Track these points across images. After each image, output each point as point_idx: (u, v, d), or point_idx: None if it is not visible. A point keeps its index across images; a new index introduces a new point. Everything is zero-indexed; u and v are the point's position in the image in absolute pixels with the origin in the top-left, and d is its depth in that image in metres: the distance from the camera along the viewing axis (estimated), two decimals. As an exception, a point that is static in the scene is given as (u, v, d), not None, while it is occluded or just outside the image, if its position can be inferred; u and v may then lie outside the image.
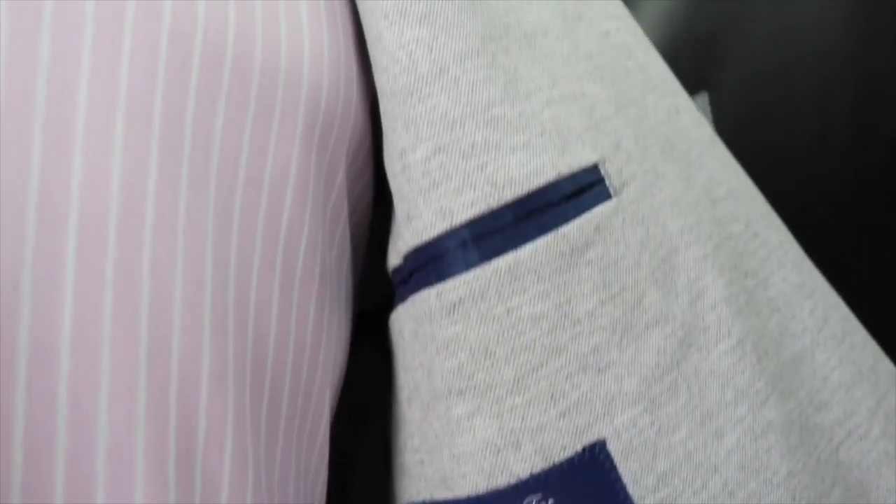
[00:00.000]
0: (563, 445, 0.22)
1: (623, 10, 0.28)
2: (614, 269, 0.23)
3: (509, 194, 0.22)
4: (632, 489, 0.22)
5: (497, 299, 0.22)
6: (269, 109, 0.21)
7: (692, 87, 0.57)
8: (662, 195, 0.24)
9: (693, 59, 0.55)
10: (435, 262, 0.22)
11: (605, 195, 0.23)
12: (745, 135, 0.56)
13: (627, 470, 0.22)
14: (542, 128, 0.23)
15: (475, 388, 0.22)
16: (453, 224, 0.22)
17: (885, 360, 0.29)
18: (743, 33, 0.54)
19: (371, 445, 0.29)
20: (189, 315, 0.18)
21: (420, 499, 0.24)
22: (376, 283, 0.28)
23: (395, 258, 0.24)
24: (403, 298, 0.23)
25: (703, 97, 0.56)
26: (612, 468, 0.22)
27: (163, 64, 0.18)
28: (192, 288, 0.18)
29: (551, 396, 0.22)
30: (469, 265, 0.22)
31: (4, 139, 0.16)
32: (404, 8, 0.22)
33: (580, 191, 0.23)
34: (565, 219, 0.22)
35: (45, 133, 0.17)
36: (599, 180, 0.23)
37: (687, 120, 0.27)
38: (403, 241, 0.23)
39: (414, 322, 0.23)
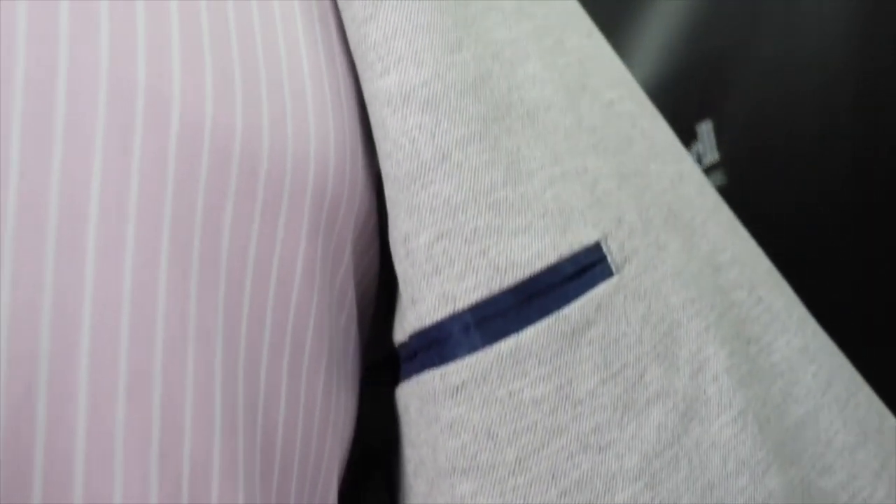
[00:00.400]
0: None
1: (627, 76, 0.29)
2: (615, 348, 0.23)
3: (511, 278, 0.22)
4: None
5: (499, 382, 0.22)
6: (277, 200, 0.21)
7: (697, 112, 0.57)
8: (665, 268, 0.25)
9: (697, 84, 0.55)
10: (438, 344, 0.22)
11: (607, 272, 0.23)
12: (749, 156, 0.56)
13: None
14: (543, 209, 0.23)
15: (478, 468, 0.22)
16: (456, 309, 0.22)
17: (890, 419, 0.29)
18: (746, 58, 0.54)
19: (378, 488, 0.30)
20: (199, 416, 0.19)
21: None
22: (383, 340, 0.28)
23: (400, 335, 0.24)
24: (409, 376, 0.24)
25: (708, 124, 0.56)
26: None
27: (172, 167, 0.19)
28: (202, 388, 0.19)
29: (552, 476, 0.22)
30: (472, 349, 0.22)
31: (18, 250, 0.17)
32: (407, 94, 0.22)
33: (582, 270, 0.23)
34: (567, 300, 0.23)
35: (57, 243, 0.18)
36: (601, 258, 0.24)
37: (691, 186, 0.27)
38: (408, 322, 0.23)
39: (419, 400, 0.23)
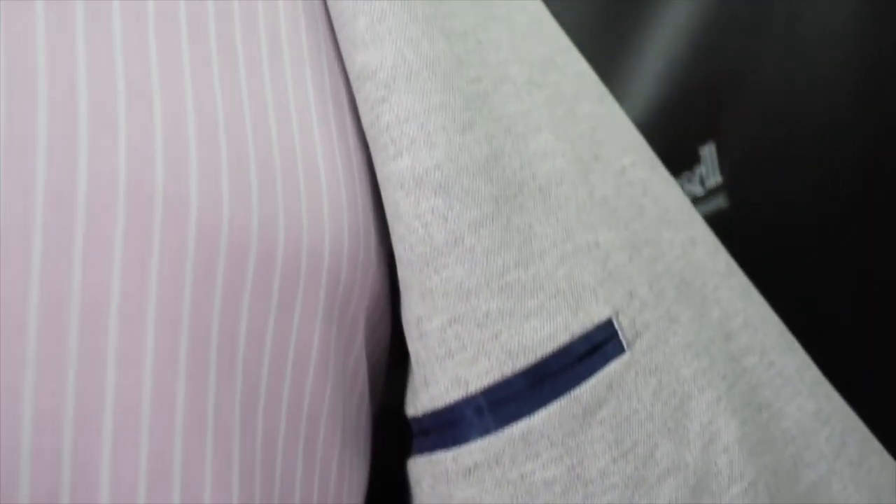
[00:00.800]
0: None
1: (638, 139, 0.28)
2: (627, 426, 0.23)
3: (523, 361, 0.22)
4: None
5: (511, 465, 0.22)
6: (293, 292, 0.21)
7: (700, 135, 0.57)
8: (676, 340, 0.25)
9: (700, 106, 0.55)
10: (451, 426, 0.22)
11: (619, 349, 0.23)
12: (752, 178, 0.56)
13: None
14: (556, 288, 0.23)
15: None
16: (468, 392, 0.22)
17: (902, 478, 0.29)
18: (749, 80, 0.54)
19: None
20: None
21: None
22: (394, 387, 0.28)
23: (412, 410, 0.24)
24: (421, 452, 0.24)
25: (711, 147, 0.56)
26: None
27: (189, 269, 0.19)
28: (220, 484, 0.19)
29: None
30: (484, 432, 0.22)
31: (41, 358, 0.17)
32: (420, 177, 0.22)
33: (594, 349, 0.23)
34: (579, 380, 0.23)
35: (79, 351, 0.18)
36: (613, 335, 0.23)
37: (702, 251, 0.27)
38: (420, 402, 0.23)
39: (431, 478, 0.23)
